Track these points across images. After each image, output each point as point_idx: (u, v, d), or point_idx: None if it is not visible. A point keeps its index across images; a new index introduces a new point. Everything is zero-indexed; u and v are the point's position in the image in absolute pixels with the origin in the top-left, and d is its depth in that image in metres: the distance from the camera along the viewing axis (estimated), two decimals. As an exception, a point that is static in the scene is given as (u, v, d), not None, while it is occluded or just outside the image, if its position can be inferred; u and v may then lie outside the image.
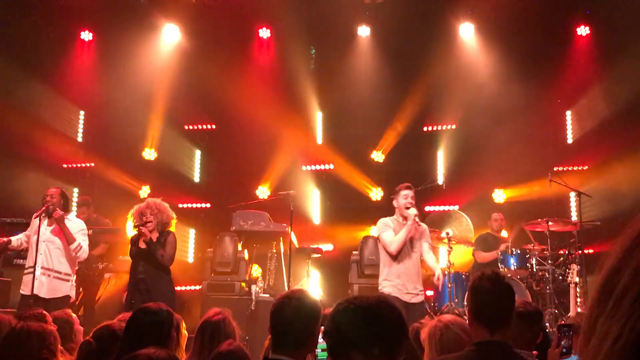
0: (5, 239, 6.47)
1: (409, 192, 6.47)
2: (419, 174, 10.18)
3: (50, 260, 6.38)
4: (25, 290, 6.32)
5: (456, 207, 9.87)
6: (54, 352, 2.65)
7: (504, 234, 8.95)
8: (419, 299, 6.30)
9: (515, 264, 8.02)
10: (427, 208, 10.02)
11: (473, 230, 9.00)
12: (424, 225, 6.63)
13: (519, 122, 9.60)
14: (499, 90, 9.64)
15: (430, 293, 8.40)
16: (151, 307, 3.26)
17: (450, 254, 8.07)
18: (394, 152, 10.47)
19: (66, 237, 6.40)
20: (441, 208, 10.03)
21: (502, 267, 7.99)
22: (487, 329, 2.81)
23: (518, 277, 7.75)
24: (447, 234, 8.08)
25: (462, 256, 8.89)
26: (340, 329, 1.88)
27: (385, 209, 10.08)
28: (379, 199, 10.46)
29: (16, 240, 6.51)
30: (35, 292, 6.19)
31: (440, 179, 10.23)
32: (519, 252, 8.06)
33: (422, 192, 9.43)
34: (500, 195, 10.07)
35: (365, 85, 10.27)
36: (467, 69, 10.15)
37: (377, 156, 10.55)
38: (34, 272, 6.20)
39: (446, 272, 7.98)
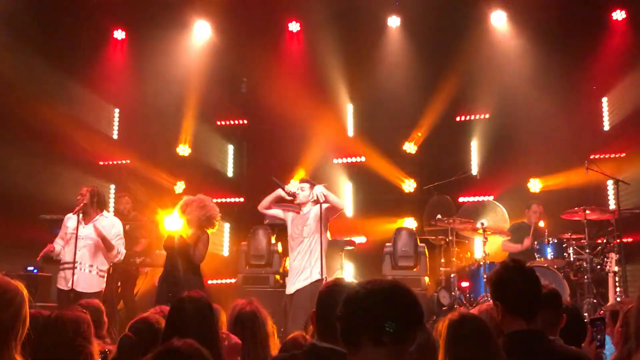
0: (50, 248, 6.59)
1: (299, 184, 6.65)
2: (453, 164, 10.12)
3: (88, 257, 6.53)
4: (62, 285, 6.47)
5: (491, 198, 9.77)
6: (88, 339, 2.71)
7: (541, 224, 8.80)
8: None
9: (552, 253, 7.90)
10: (461, 199, 9.93)
11: (509, 221, 8.90)
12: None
13: (554, 110, 9.43)
14: (532, 78, 9.48)
15: (465, 284, 8.35)
16: (192, 296, 3.28)
17: (486, 245, 8.01)
18: (426, 143, 10.38)
19: (105, 245, 6.54)
20: (475, 199, 9.92)
21: (538, 257, 7.89)
22: (523, 320, 2.81)
23: (555, 266, 7.63)
24: (482, 224, 8.01)
25: (498, 247, 8.78)
26: (351, 313, 1.86)
27: (419, 200, 10.09)
28: (412, 190, 10.40)
29: (58, 246, 6.63)
30: (73, 287, 6.33)
31: (474, 169, 10.13)
32: (555, 241, 7.93)
33: (456, 183, 9.39)
34: (536, 185, 9.90)
35: (396, 76, 10.19)
36: (500, 58, 9.98)
37: (410, 147, 10.48)
38: (73, 268, 6.35)
39: (481, 263, 7.93)
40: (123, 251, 6.75)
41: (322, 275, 6.12)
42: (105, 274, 6.73)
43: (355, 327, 1.83)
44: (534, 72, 9.53)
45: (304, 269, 6.21)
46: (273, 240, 8.22)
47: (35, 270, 7.81)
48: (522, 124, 9.70)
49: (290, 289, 6.29)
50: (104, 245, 6.53)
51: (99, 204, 6.72)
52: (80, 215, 6.50)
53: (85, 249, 6.52)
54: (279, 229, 8.31)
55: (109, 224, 6.71)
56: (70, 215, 6.65)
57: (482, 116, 10.30)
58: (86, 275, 6.51)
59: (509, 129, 9.89)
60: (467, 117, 10.42)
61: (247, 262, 8.26)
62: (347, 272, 8.97)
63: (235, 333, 3.57)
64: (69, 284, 6.34)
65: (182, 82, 10.62)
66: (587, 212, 7.82)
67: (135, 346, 3.44)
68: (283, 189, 6.44)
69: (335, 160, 10.67)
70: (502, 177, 9.63)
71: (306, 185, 6.50)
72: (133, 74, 11.03)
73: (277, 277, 8.00)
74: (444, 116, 10.18)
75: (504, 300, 2.85)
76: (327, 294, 2.70)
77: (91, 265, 6.55)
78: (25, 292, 1.98)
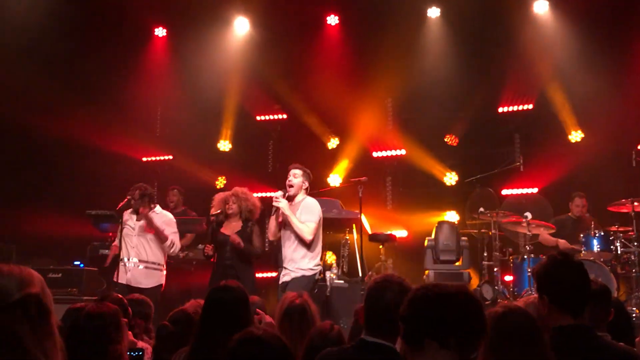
0: (115, 250, 6.78)
1: (290, 171, 6.31)
2: (495, 156, 9.97)
3: (144, 252, 6.66)
4: (119, 279, 6.60)
5: (535, 190, 9.59)
6: (116, 339, 2.75)
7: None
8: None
9: (598, 246, 7.70)
10: (504, 191, 9.77)
11: (553, 213, 8.72)
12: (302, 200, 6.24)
13: (599, 100, 9.19)
14: (576, 67, 9.25)
15: (509, 278, 8.22)
16: (227, 285, 3.31)
17: (530, 238, 7.86)
18: (468, 135, 10.24)
19: (159, 237, 6.65)
20: (519, 191, 9.75)
21: (584, 250, 7.70)
22: (570, 315, 2.74)
23: (602, 260, 7.44)
24: (526, 217, 7.86)
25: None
26: (417, 315, 1.86)
27: (461, 193, 9.96)
28: (453, 183, 10.28)
29: (117, 248, 6.76)
30: (127, 282, 6.50)
31: (518, 161, 9.95)
32: (602, 234, 7.73)
33: (499, 175, 9.24)
34: (581, 176, 9.67)
35: (436, 68, 10.08)
36: (543, 47, 9.77)
37: (451, 140, 10.34)
38: (125, 264, 6.52)
39: (525, 257, 7.79)
40: (178, 244, 6.84)
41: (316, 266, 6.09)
42: (163, 268, 6.82)
43: (421, 329, 1.83)
44: (578, 60, 9.29)
45: (294, 259, 6.05)
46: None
47: (81, 265, 7.97)
48: (566, 114, 9.48)
49: (284, 278, 6.09)
50: (158, 237, 6.62)
51: (150, 201, 6.82)
52: (132, 211, 6.65)
53: (141, 245, 6.65)
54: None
55: (160, 218, 6.81)
56: (127, 212, 6.77)
57: (525, 107, 10.10)
58: (141, 271, 6.63)
59: (553, 120, 9.68)
60: (510, 108, 10.22)
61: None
62: (388, 266, 8.93)
63: (284, 327, 3.59)
64: (124, 280, 6.50)
65: (222, 78, 10.71)
66: (635, 204, 7.60)
67: (172, 335, 3.51)
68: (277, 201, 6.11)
69: (375, 154, 10.61)
70: (547, 169, 9.43)
71: (298, 172, 6.27)
72: (174, 71, 11.18)
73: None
74: (486, 107, 10.02)
75: (550, 294, 2.78)
76: (376, 290, 2.69)
77: (145, 261, 6.66)
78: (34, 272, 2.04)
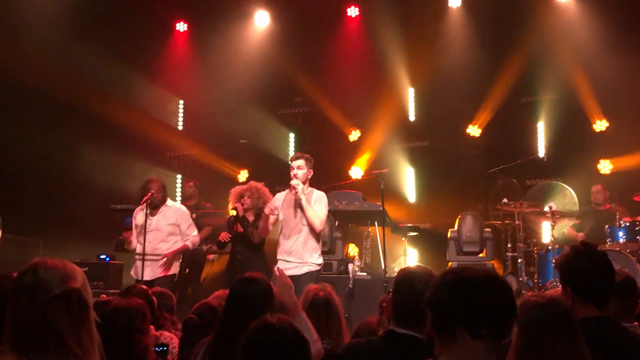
0: (129, 238, 6.80)
1: (292, 163, 6.16)
2: (518, 147, 9.86)
3: (160, 247, 6.71)
4: (137, 274, 6.68)
5: (559, 180, 9.48)
6: (143, 331, 2.79)
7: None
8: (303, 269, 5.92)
9: (624, 236, 7.60)
10: (528, 182, 9.68)
11: (578, 204, 8.62)
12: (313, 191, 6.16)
13: (624, 89, 9.05)
14: (600, 56, 9.10)
15: (533, 269, 8.15)
16: (252, 277, 3.33)
17: (554, 229, 7.78)
18: (490, 126, 10.15)
19: (180, 251, 6.73)
20: (543, 182, 9.63)
21: (610, 241, 7.61)
22: (594, 306, 2.71)
23: (628, 250, 7.34)
24: (550, 208, 7.78)
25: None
26: (446, 302, 1.80)
27: (484, 184, 9.89)
28: (477, 174, 10.20)
29: (134, 242, 6.81)
30: (143, 277, 6.51)
31: (541, 152, 9.84)
32: (627, 224, 7.62)
33: (522, 166, 9.15)
34: (606, 166, 9.55)
35: (458, 58, 9.99)
36: (566, 35, 9.63)
37: (474, 130, 10.27)
38: (143, 259, 6.55)
39: (549, 248, 7.72)
40: (197, 239, 6.91)
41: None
42: (179, 259, 6.90)
43: (450, 317, 1.79)
44: (601, 50, 9.14)
45: (301, 253, 5.96)
46: (335, 227, 8.22)
47: (107, 259, 8.07)
48: (590, 103, 9.35)
49: (288, 272, 5.90)
50: (179, 251, 6.72)
51: (165, 196, 6.90)
52: (148, 208, 6.70)
53: (155, 240, 6.70)
54: (341, 216, 8.32)
55: (176, 213, 6.86)
56: (138, 209, 6.82)
57: (548, 97, 9.98)
58: (158, 265, 6.68)
59: (577, 109, 9.56)
60: (533, 98, 10.10)
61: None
62: (411, 258, 8.92)
63: (310, 319, 3.58)
64: (140, 276, 6.54)
65: (243, 71, 10.74)
66: (662, 193, 7.49)
67: (198, 328, 3.56)
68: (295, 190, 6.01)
69: (397, 145, 10.57)
70: (571, 159, 9.33)
71: (301, 163, 6.11)
72: (195, 65, 11.25)
73: (340, 263, 8.02)
74: (509, 97, 9.92)
75: (574, 286, 2.75)
76: (405, 281, 2.67)
77: (162, 255, 6.70)
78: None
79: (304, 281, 5.60)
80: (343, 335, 3.62)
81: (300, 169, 6.06)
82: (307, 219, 5.97)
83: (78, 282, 1.97)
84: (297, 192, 5.93)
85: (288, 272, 5.64)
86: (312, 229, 5.99)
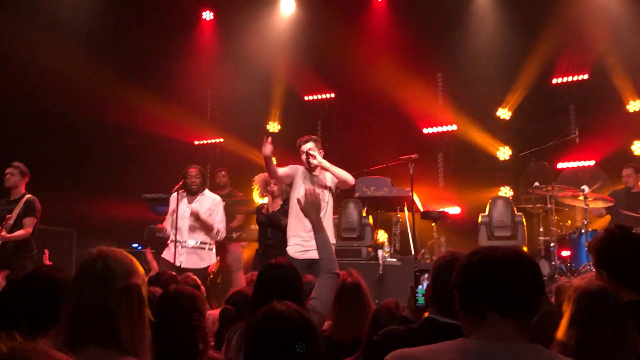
0: (163, 227, 6.84)
1: (303, 147, 6.09)
2: (550, 129, 9.72)
3: (196, 234, 6.71)
4: (168, 257, 6.71)
5: (592, 162, 9.31)
6: (204, 314, 2.80)
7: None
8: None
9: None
10: (559, 165, 9.53)
11: (611, 186, 8.46)
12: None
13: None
14: (634, 35, 8.89)
15: (566, 253, 8.03)
16: (279, 263, 3.34)
17: (587, 212, 7.65)
18: (521, 108, 10.00)
19: (205, 228, 6.71)
20: (575, 164, 9.49)
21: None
22: (630, 290, 2.66)
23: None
24: (583, 191, 7.64)
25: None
26: (474, 283, 1.78)
27: (515, 168, 9.76)
28: (507, 158, 10.08)
29: (169, 228, 6.81)
30: (178, 264, 6.53)
31: (573, 134, 9.67)
32: (664, 207, 7.46)
33: (554, 148, 9.01)
34: (640, 148, 9.36)
35: (487, 40, 9.85)
36: (598, 13, 9.40)
37: (503, 113, 10.13)
38: (175, 246, 6.57)
39: (583, 232, 7.59)
40: (224, 231, 6.91)
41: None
42: (214, 247, 6.91)
43: (478, 297, 1.76)
44: (635, 28, 8.93)
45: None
46: (364, 213, 8.20)
47: (139, 247, 8.19)
48: (623, 84, 9.14)
49: (307, 254, 5.81)
50: (203, 226, 6.71)
51: (203, 184, 6.94)
52: (185, 193, 6.73)
53: (191, 228, 6.70)
54: (370, 202, 8.30)
55: (212, 202, 6.88)
56: (174, 194, 6.82)
57: (580, 77, 9.78)
58: (193, 253, 6.69)
59: (610, 90, 9.35)
60: (564, 79, 9.91)
61: (338, 235, 8.29)
62: (441, 244, 8.85)
63: (341, 305, 3.58)
64: (174, 260, 6.55)
65: (270, 59, 10.74)
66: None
67: (234, 317, 3.58)
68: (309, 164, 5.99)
69: (425, 130, 10.48)
70: (604, 141, 9.14)
71: (312, 145, 6.11)
72: (222, 54, 11.28)
73: (370, 249, 8.01)
74: (539, 79, 9.75)
75: (609, 269, 2.70)
76: (445, 267, 2.63)
77: (198, 243, 6.73)
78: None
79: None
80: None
81: (312, 150, 6.05)
82: (337, 177, 5.97)
83: (139, 278, 1.98)
84: (314, 161, 5.92)
85: (306, 256, 5.69)
86: (330, 208, 5.98)
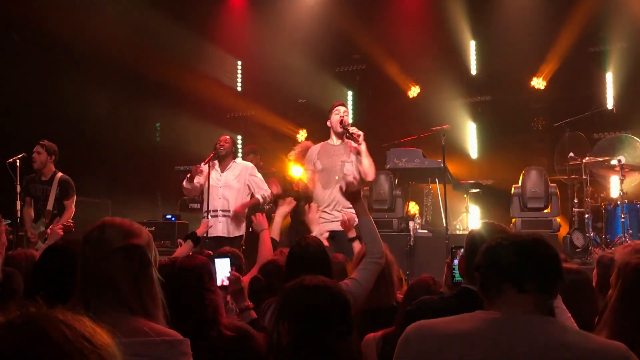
0: (200, 167, 6.57)
1: (338, 108, 5.91)
2: (586, 99, 9.52)
3: (230, 204, 6.65)
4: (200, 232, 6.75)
5: (628, 132, 9.10)
6: (212, 289, 2.83)
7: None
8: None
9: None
10: (595, 135, 9.34)
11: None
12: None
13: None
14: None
15: (600, 225, 7.93)
16: (309, 240, 3.41)
17: (623, 183, 7.51)
18: (556, 78, 9.79)
19: (251, 205, 6.67)
20: (611, 134, 9.28)
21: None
22: None
23: None
24: (619, 161, 7.49)
25: (637, 185, 8.20)
26: (493, 263, 1.83)
27: (549, 138, 9.60)
28: (542, 128, 9.92)
29: (203, 176, 6.64)
30: (215, 234, 6.47)
31: (610, 103, 9.45)
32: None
33: (589, 118, 8.82)
34: (679, 117, 9.10)
35: (521, 7, 9.63)
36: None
37: (538, 83, 9.94)
38: (216, 216, 6.53)
39: (618, 203, 7.47)
40: (268, 194, 6.70)
41: None
42: (245, 219, 6.86)
43: (496, 274, 1.81)
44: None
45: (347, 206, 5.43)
46: (395, 185, 8.19)
47: (173, 219, 8.30)
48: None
49: (330, 226, 5.68)
50: (250, 205, 6.65)
51: (235, 154, 6.94)
52: (217, 163, 6.70)
53: (225, 196, 6.64)
54: (401, 174, 8.27)
55: (243, 168, 6.80)
56: (205, 164, 6.62)
57: (618, 45, 9.51)
58: (227, 222, 6.63)
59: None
60: (601, 47, 9.65)
61: (370, 207, 8.31)
62: (473, 215, 8.81)
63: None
64: (211, 233, 6.43)
65: (300, 30, 10.67)
66: None
67: (264, 287, 3.62)
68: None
69: (458, 101, 10.36)
70: (641, 111, 8.92)
71: (346, 109, 5.99)
72: (252, 25, 11.24)
73: (401, 221, 8.01)
74: (576, 47, 9.52)
75: None
76: (480, 239, 2.64)
77: (231, 212, 6.63)
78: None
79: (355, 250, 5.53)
80: (395, 292, 3.63)
81: (346, 114, 5.95)
82: (362, 168, 5.78)
83: (142, 240, 2.02)
84: (360, 141, 5.73)
85: (329, 227, 5.62)
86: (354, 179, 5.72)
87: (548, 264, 1.80)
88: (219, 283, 3.22)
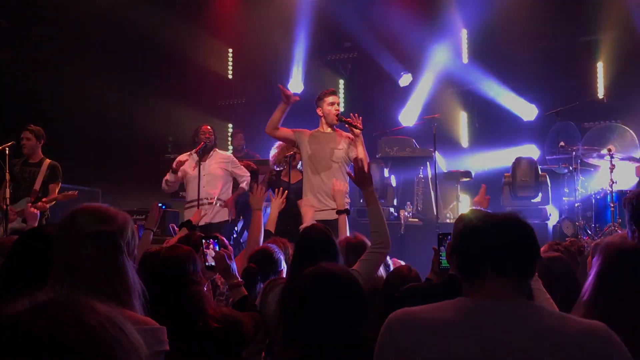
0: (180, 160, 6.71)
1: (328, 98, 5.82)
2: (576, 88, 9.54)
3: (213, 191, 6.75)
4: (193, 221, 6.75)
5: (619, 122, 9.13)
6: (196, 279, 2.82)
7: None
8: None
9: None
10: (586, 124, 9.36)
11: (639, 145, 8.31)
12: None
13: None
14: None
15: (590, 214, 7.96)
16: (317, 226, 3.44)
17: (613, 172, 7.54)
18: (547, 67, 9.79)
19: (237, 197, 6.75)
20: (602, 124, 9.31)
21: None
22: None
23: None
24: (609, 150, 7.52)
25: (626, 174, 8.24)
26: (471, 247, 1.82)
27: (540, 127, 9.61)
28: (533, 117, 9.93)
29: (172, 177, 6.80)
30: (203, 222, 6.44)
31: (601, 93, 9.48)
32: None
33: (580, 108, 8.85)
34: (669, 106, 9.13)
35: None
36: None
37: (530, 71, 9.94)
38: (198, 206, 6.56)
39: (608, 192, 7.50)
40: (249, 177, 6.91)
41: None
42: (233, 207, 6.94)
43: (475, 258, 1.80)
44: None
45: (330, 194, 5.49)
46: (387, 174, 8.20)
47: (163, 207, 8.23)
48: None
49: (320, 215, 5.55)
50: (237, 196, 6.76)
51: (215, 142, 6.98)
52: (202, 152, 6.74)
53: (209, 185, 6.73)
54: (393, 162, 8.26)
55: (224, 157, 6.94)
56: (184, 156, 6.79)
57: (609, 34, 9.52)
58: (211, 209, 6.71)
59: (638, 48, 9.10)
60: (592, 37, 9.66)
61: (361, 195, 8.31)
62: (464, 204, 8.83)
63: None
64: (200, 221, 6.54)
65: (291, 17, 10.61)
66: None
67: (257, 275, 3.63)
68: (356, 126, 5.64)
69: (448, 89, 10.34)
70: (632, 100, 8.94)
71: (337, 99, 5.90)
72: (243, 13, 11.17)
73: (392, 209, 8.02)
74: (567, 36, 9.53)
75: None
76: (467, 226, 2.64)
77: (217, 199, 6.75)
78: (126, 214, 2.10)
79: (340, 225, 5.51)
80: (378, 280, 3.65)
81: (338, 104, 5.87)
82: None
83: (114, 225, 2.00)
84: (360, 126, 5.62)
85: (320, 217, 5.45)
86: (342, 167, 5.73)
87: (526, 244, 1.79)
88: (208, 263, 3.23)
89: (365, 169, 3.52)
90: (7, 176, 6.55)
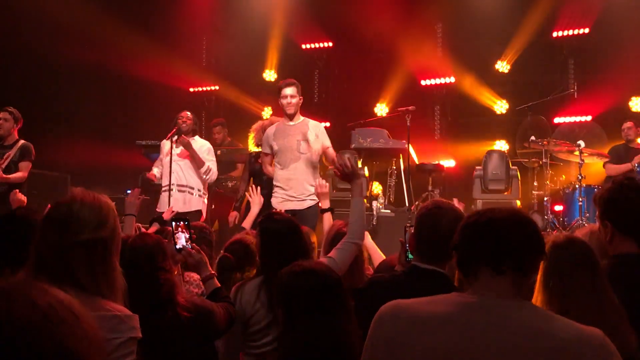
0: (153, 178, 6.70)
1: (284, 91, 5.83)
2: (548, 83, 9.68)
3: (183, 178, 6.63)
4: (162, 208, 6.68)
5: (589, 118, 9.29)
6: (166, 268, 2.79)
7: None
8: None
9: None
10: (556, 119, 9.50)
11: (608, 142, 8.46)
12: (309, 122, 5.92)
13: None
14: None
15: (559, 208, 8.10)
16: (280, 215, 3.42)
17: (582, 167, 7.67)
18: (520, 62, 9.90)
19: (195, 161, 6.62)
20: (572, 119, 9.46)
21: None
22: (635, 241, 2.62)
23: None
24: (579, 146, 7.64)
25: (595, 169, 8.39)
26: (469, 243, 1.79)
27: (511, 121, 9.73)
28: (504, 111, 10.04)
29: (158, 172, 6.73)
30: (176, 209, 6.44)
31: (571, 88, 9.62)
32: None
33: (551, 103, 8.97)
34: (638, 104, 9.31)
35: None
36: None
37: (502, 66, 10.05)
38: (169, 190, 6.52)
39: (577, 187, 7.63)
40: (215, 170, 6.76)
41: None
42: (205, 195, 6.82)
43: (473, 255, 1.77)
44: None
45: (306, 187, 5.70)
46: (359, 165, 8.20)
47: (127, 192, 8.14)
48: (624, 38, 9.04)
49: (289, 204, 5.65)
50: (195, 161, 6.58)
51: (194, 131, 6.85)
52: (175, 137, 6.62)
53: (179, 170, 6.61)
54: (366, 153, 8.28)
55: (200, 145, 6.80)
56: (165, 140, 6.72)
57: (580, 31, 9.66)
58: (179, 196, 6.59)
59: (610, 45, 9.26)
60: (564, 33, 9.79)
61: (334, 185, 8.32)
62: (435, 197, 8.89)
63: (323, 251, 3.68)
64: (167, 206, 6.41)
65: (267, 6, 10.55)
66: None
67: (233, 265, 3.61)
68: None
69: (423, 82, 10.40)
70: (602, 96, 9.09)
71: (294, 90, 5.83)
72: (218, 1, 11.05)
73: (364, 200, 8.03)
74: (539, 32, 9.63)
75: (614, 220, 2.65)
76: (428, 216, 2.66)
77: (186, 186, 6.62)
78: (113, 205, 2.06)
79: (309, 215, 5.52)
80: (364, 271, 3.66)
81: (293, 97, 5.82)
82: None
83: (107, 229, 1.96)
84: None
85: (289, 207, 5.53)
86: (311, 158, 5.76)
87: (526, 241, 1.75)
88: (178, 245, 3.15)
89: (349, 167, 3.54)
90: None
